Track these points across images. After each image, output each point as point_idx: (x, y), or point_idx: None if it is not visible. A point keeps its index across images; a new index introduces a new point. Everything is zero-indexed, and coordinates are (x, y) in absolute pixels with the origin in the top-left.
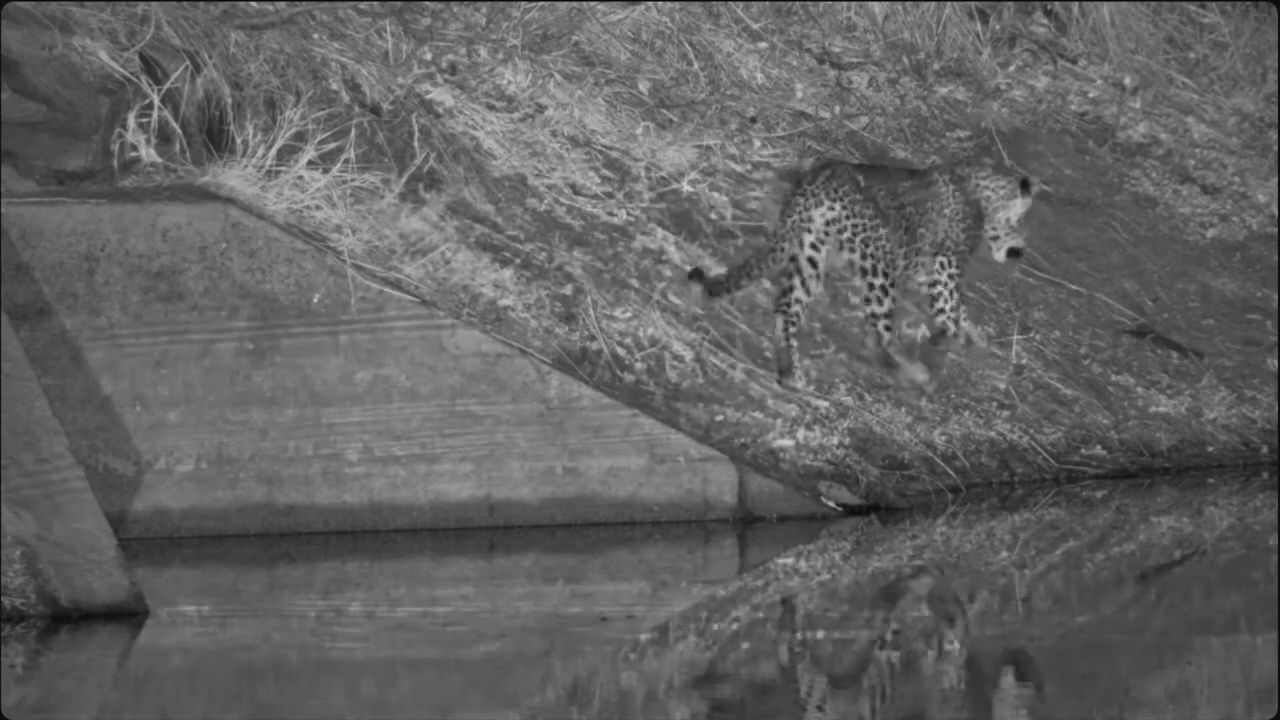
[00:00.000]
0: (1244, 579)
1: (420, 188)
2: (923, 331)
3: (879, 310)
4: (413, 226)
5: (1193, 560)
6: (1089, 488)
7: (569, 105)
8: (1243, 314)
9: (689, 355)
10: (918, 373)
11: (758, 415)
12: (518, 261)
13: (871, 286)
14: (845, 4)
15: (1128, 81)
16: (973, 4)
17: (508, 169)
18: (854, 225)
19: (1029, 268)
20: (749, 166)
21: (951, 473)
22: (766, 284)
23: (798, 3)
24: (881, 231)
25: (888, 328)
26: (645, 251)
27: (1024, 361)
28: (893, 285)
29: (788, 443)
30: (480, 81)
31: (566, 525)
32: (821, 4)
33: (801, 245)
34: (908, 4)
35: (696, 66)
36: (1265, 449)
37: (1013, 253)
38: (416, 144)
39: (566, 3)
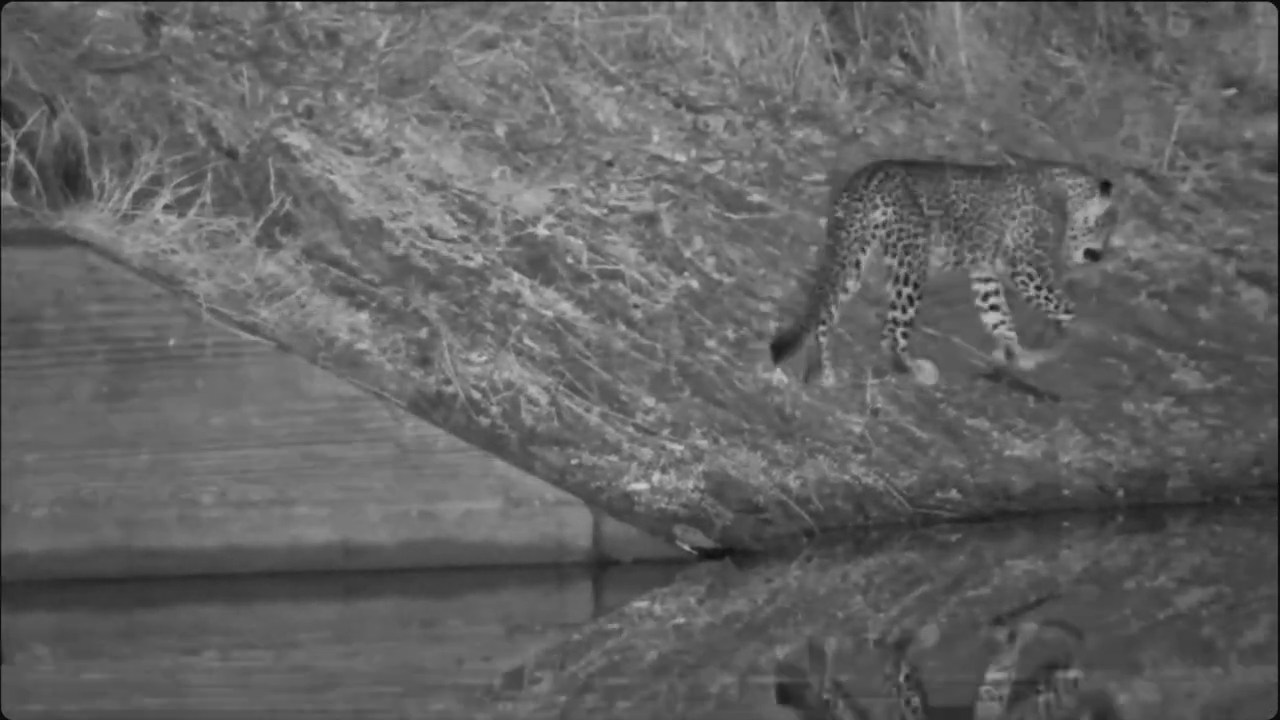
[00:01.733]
0: (1098, 621)
1: (276, 231)
2: (988, 320)
3: (901, 317)
4: (269, 270)
5: (1048, 604)
6: (944, 531)
7: (425, 149)
8: (1099, 357)
9: (544, 399)
10: (927, 377)
11: (613, 459)
12: (374, 305)
13: (900, 294)
14: (702, 48)
15: (984, 125)
16: (829, 48)
17: (364, 212)
18: (900, 231)
19: (884, 311)
20: (605, 210)
21: (806, 516)
22: (621, 327)
23: (655, 47)
24: (921, 241)
25: (905, 335)
26: (501, 295)
27: (879, 405)
28: (920, 295)
29: (643, 486)
30: (337, 125)
31: (423, 569)
32: (679, 48)
33: (862, 250)
34: (765, 48)
35: (553, 110)
36: (1120, 492)
37: (1090, 254)
38: (273, 188)
39: (423, 46)
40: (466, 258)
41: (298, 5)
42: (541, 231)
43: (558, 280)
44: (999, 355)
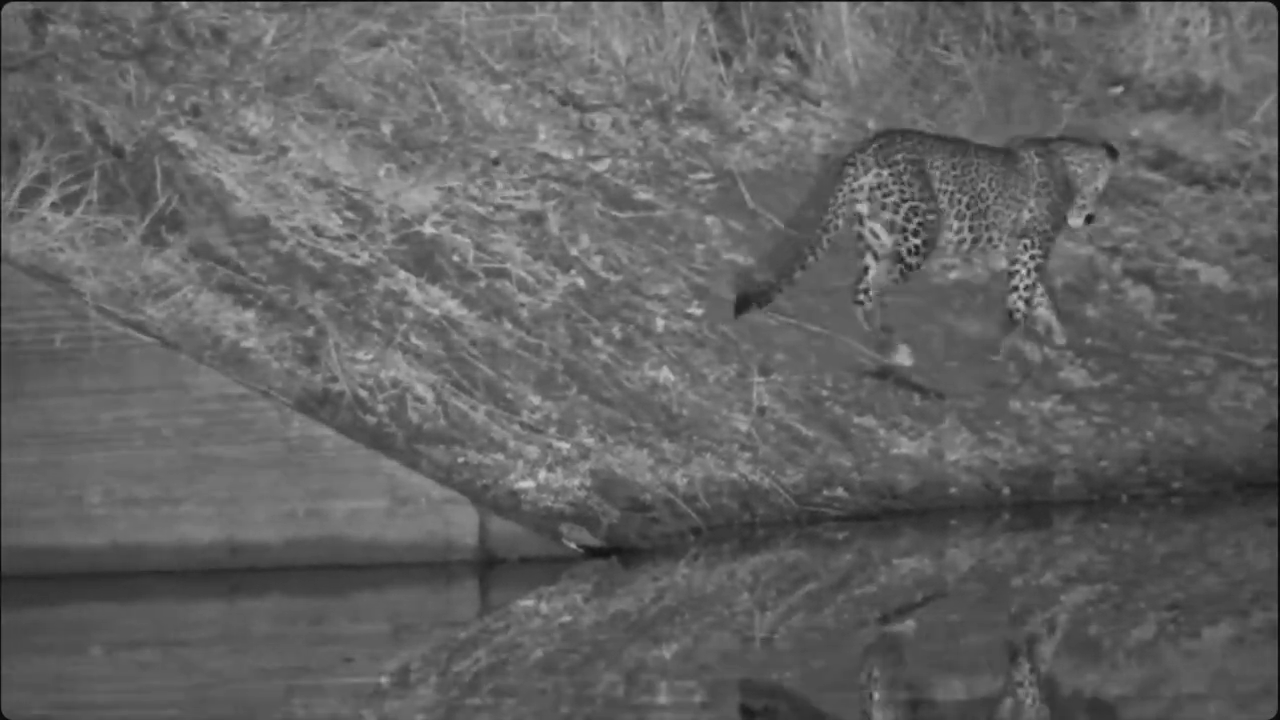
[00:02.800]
0: (985, 621)
1: (163, 229)
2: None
3: (912, 260)
4: (155, 269)
5: (934, 602)
6: (830, 529)
7: (312, 147)
8: (985, 355)
9: (430, 397)
10: (904, 358)
11: (499, 457)
12: (260, 303)
13: (906, 245)
14: (589, 46)
15: (870, 123)
16: (716, 46)
17: (250, 211)
18: (900, 192)
19: (772, 309)
20: (491, 209)
21: (693, 514)
22: (508, 325)
23: (541, 45)
24: (926, 205)
25: (880, 302)
26: (388, 293)
27: (766, 403)
28: (927, 250)
29: (529, 484)
30: (223, 123)
31: (310, 567)
32: (565, 46)
33: (859, 219)
34: (651, 47)
35: (439, 109)
36: (1006, 490)
37: (1089, 219)
38: (159, 186)
39: (309, 45)
40: (353, 256)
41: (184, 4)
42: (428, 230)
43: (444, 278)
44: (1029, 348)
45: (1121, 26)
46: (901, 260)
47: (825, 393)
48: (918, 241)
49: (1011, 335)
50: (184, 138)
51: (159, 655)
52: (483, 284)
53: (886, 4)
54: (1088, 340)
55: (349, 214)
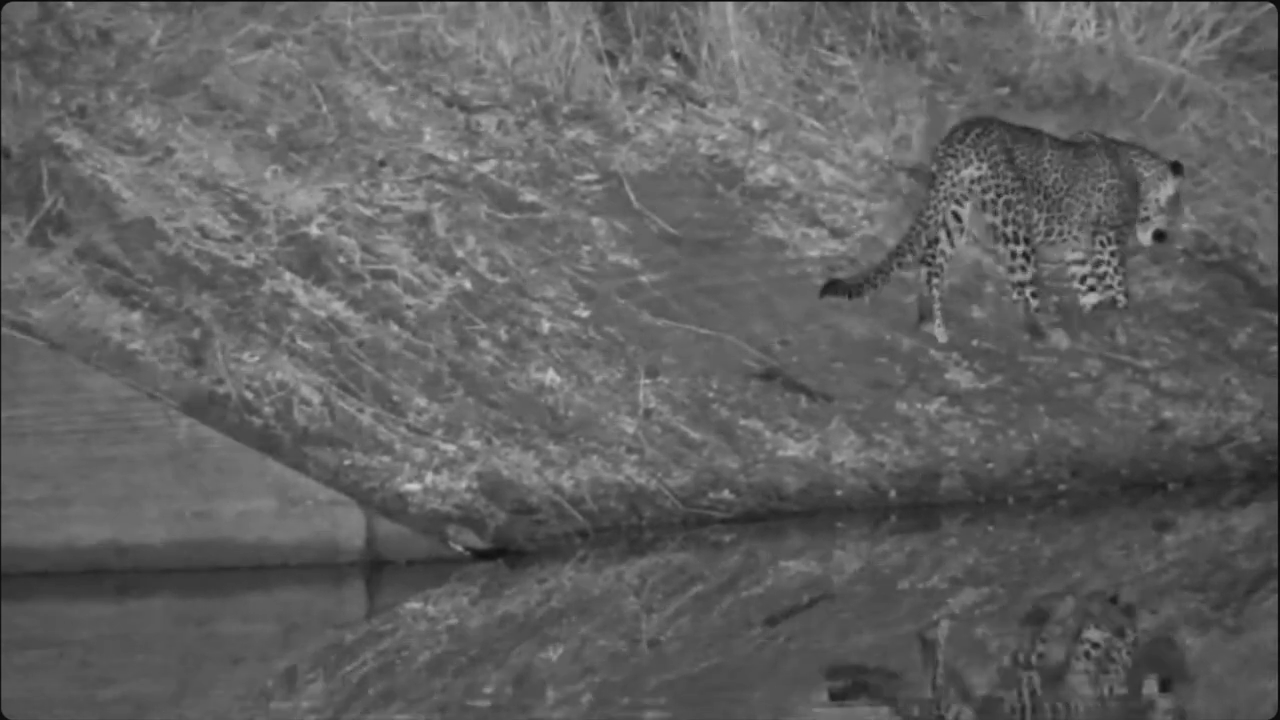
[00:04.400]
0: (872, 622)
1: (49, 231)
2: (1087, 301)
3: (1024, 278)
4: (42, 270)
5: (822, 604)
6: (717, 531)
7: (198, 148)
8: (872, 357)
9: (317, 399)
10: (1061, 339)
11: (386, 459)
12: (147, 305)
13: (1014, 255)
14: (475, 47)
15: (757, 124)
16: (602, 47)
17: (137, 212)
18: (998, 187)
19: (659, 312)
20: (378, 210)
21: (580, 516)
22: (394, 327)
23: (427, 46)
24: (1021, 196)
25: (1034, 294)
26: (274, 295)
27: (652, 405)
28: (1034, 251)
29: (415, 487)
30: (110, 125)
31: (199, 568)
32: (451, 47)
33: (959, 204)
34: (537, 47)
35: (325, 110)
36: (893, 492)
37: (1158, 235)
38: (46, 187)
39: (196, 46)
40: (239, 257)
41: (70, 4)
42: (314, 231)
43: (330, 280)
44: (1121, 330)
45: (1008, 27)
46: (1012, 272)
47: (712, 395)
48: (1024, 249)
49: (1114, 318)
50: (70, 139)
51: (49, 656)
52: (369, 286)
53: (772, 4)
54: (974, 342)
55: (235, 215)
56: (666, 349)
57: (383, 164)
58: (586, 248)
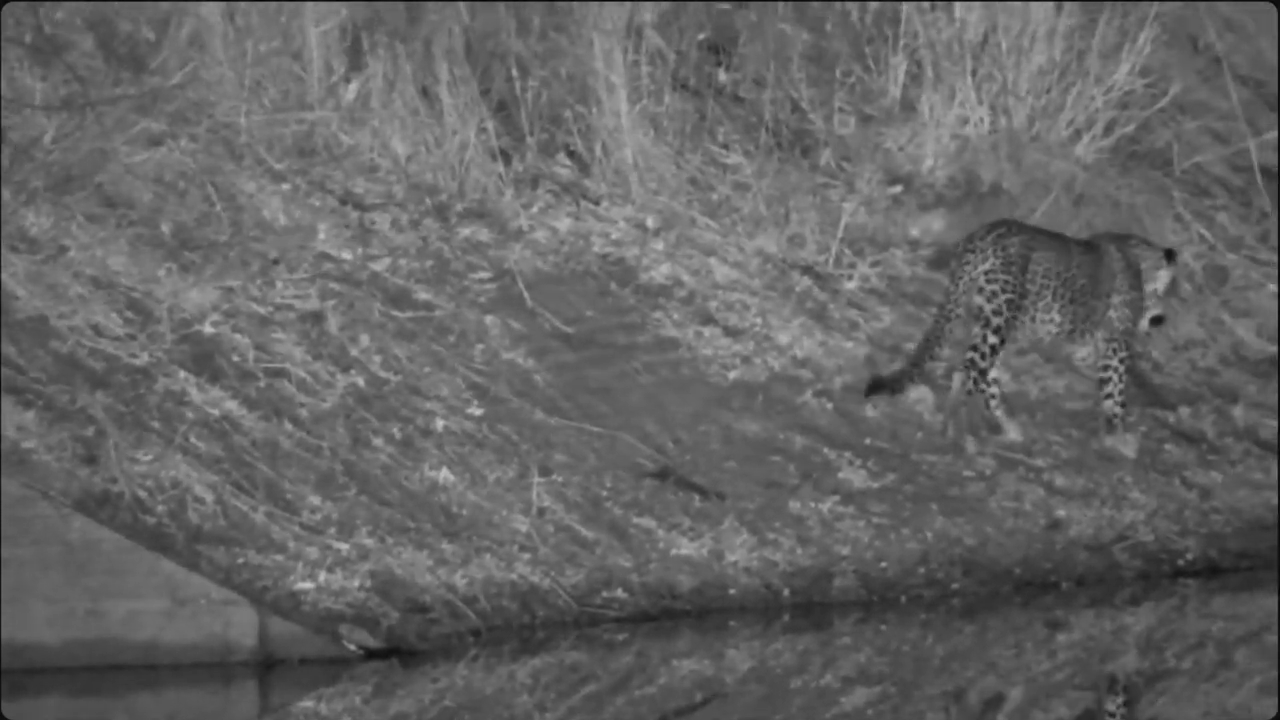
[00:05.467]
0: None
1: None
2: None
3: (984, 366)
4: None
5: (714, 703)
6: (610, 630)
7: (91, 246)
8: (765, 456)
9: (210, 498)
10: (1016, 432)
11: (279, 558)
12: (40, 403)
13: (985, 340)
14: (368, 145)
15: (650, 222)
16: (496, 145)
17: (30, 310)
18: (1001, 280)
19: (552, 410)
20: (271, 308)
21: (473, 615)
22: (287, 425)
23: (321, 144)
24: (1016, 298)
25: (990, 384)
26: (168, 393)
27: (545, 504)
28: (1002, 346)
29: (308, 585)
30: (3, 223)
31: (89, 668)
32: (344, 145)
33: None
34: (431, 145)
35: (219, 207)
36: (786, 591)
37: (1156, 320)
38: None
39: (89, 144)
40: (133, 356)
41: None
42: (208, 329)
43: (224, 378)
44: (1126, 445)
45: (901, 125)
46: (977, 353)
47: (605, 493)
48: (994, 341)
49: (1111, 438)
50: None
51: None
52: (262, 384)
53: (666, 102)
54: (867, 440)
55: (129, 313)
56: (559, 447)
57: (276, 262)
58: (480, 346)
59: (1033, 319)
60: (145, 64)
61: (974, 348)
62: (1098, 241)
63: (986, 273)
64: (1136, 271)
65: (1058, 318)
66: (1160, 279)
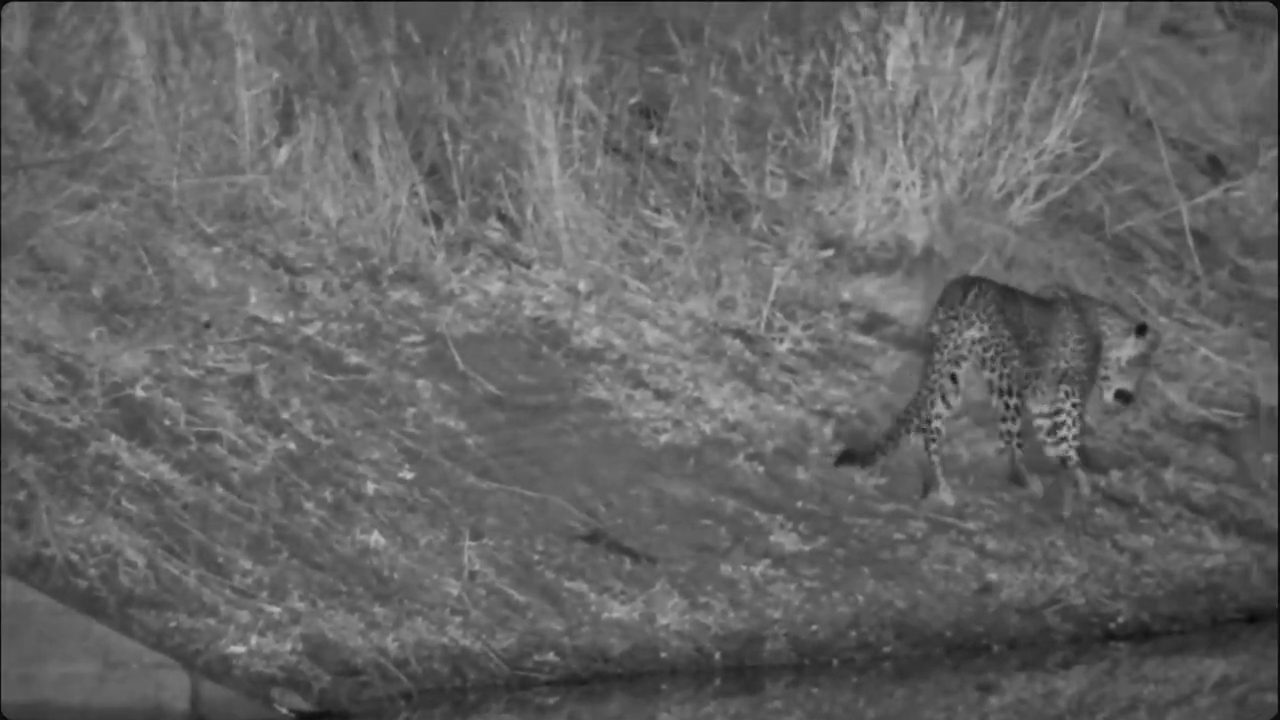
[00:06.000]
0: None
1: None
2: (1054, 453)
3: (1014, 429)
4: None
5: None
6: (542, 694)
7: (23, 310)
8: (696, 519)
9: (142, 561)
10: (1038, 488)
11: (210, 622)
12: None
13: (1007, 406)
14: (300, 208)
15: (582, 286)
16: (427, 209)
17: None
18: (997, 345)
19: (484, 474)
20: (202, 372)
21: (404, 679)
22: (219, 489)
23: (252, 207)
24: (1016, 353)
25: (1019, 445)
26: (99, 457)
27: (477, 567)
28: (1022, 404)
29: (240, 649)
30: None
31: None
32: (276, 209)
33: (957, 365)
34: (362, 209)
35: (150, 271)
36: (718, 654)
37: (1121, 395)
38: None
39: (21, 207)
40: (64, 419)
41: None
42: (139, 393)
43: (155, 442)
44: (1078, 488)
45: (832, 189)
46: (1003, 421)
47: (536, 557)
48: (1015, 402)
49: (1061, 481)
50: None
51: None
52: (194, 447)
53: (597, 166)
54: (798, 504)
55: (60, 377)
56: (491, 511)
57: (208, 325)
58: (411, 409)
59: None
60: (77, 128)
61: (1002, 419)
62: (1053, 298)
63: (979, 341)
64: (1094, 329)
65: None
66: (1126, 348)
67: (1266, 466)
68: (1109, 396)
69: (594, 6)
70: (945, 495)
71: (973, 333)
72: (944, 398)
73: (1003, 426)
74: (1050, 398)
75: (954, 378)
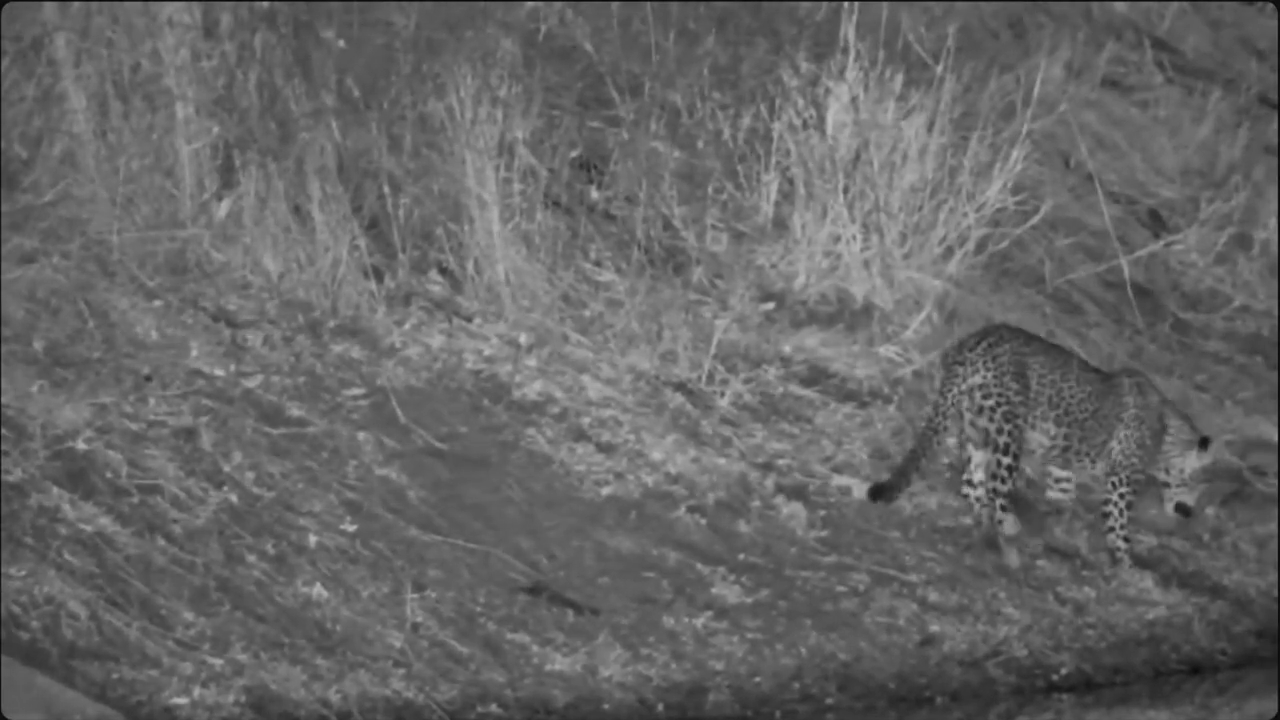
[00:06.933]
0: None
1: None
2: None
3: (1004, 490)
4: None
5: None
6: None
7: None
8: (638, 571)
9: (84, 614)
10: (1013, 558)
11: (153, 673)
12: None
13: (1000, 464)
14: (241, 262)
15: (523, 339)
16: (368, 263)
17: None
18: (998, 395)
19: (426, 526)
20: (144, 425)
21: None
22: (161, 541)
23: (193, 261)
24: (1021, 410)
25: (1004, 508)
26: (41, 510)
27: (419, 619)
28: (1018, 467)
29: (183, 700)
30: None
31: None
32: (217, 262)
33: (962, 415)
34: (303, 263)
35: (91, 325)
36: (660, 706)
37: (1181, 509)
38: None
39: None
40: (6, 472)
41: None
42: (81, 446)
43: (97, 495)
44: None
45: (773, 242)
46: (995, 480)
47: (479, 609)
48: (1010, 462)
49: (1117, 570)
50: None
51: None
52: (136, 500)
53: (538, 219)
54: (741, 556)
55: (2, 430)
56: (433, 563)
57: (149, 379)
58: (353, 462)
59: (1032, 426)
60: (17, 182)
61: (993, 475)
62: (1117, 375)
63: (980, 387)
64: (1159, 420)
65: (1053, 430)
66: (1189, 461)
67: (1209, 519)
68: (1169, 509)
69: (534, 60)
70: (1010, 558)
71: (975, 379)
72: (944, 444)
73: (991, 484)
74: (1101, 482)
75: (974, 425)
